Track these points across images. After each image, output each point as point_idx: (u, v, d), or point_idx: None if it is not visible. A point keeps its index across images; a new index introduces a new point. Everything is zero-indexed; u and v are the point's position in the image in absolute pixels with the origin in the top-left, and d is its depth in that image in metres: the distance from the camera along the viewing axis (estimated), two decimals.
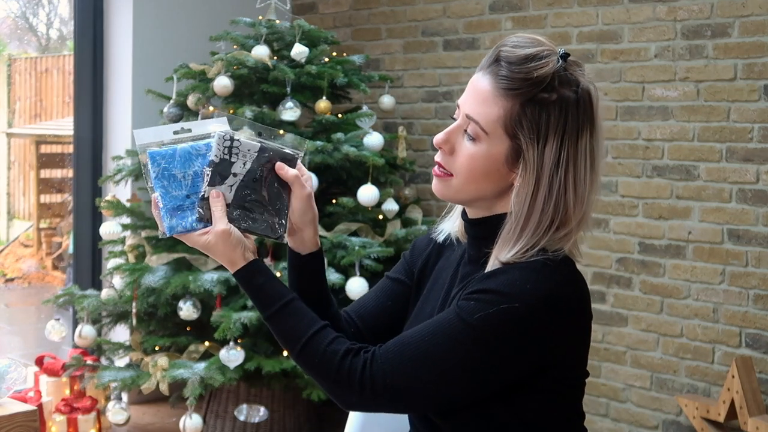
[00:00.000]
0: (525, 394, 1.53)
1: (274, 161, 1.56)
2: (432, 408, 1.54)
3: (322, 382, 1.52)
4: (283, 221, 1.58)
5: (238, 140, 1.54)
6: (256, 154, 1.55)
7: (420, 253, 1.77)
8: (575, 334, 1.55)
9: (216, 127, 1.55)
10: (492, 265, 1.53)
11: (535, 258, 1.50)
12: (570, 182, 1.52)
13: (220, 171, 1.53)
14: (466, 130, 1.54)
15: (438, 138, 1.56)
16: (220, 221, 1.53)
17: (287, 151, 1.58)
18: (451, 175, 1.56)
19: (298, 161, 1.58)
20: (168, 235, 1.54)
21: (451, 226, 1.70)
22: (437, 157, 1.58)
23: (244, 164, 1.54)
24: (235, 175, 1.54)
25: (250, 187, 1.55)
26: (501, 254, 1.52)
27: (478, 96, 1.53)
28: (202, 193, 1.53)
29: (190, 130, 1.55)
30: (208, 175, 1.52)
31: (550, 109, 1.50)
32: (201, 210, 1.53)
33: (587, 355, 1.60)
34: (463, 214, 1.65)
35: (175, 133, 1.54)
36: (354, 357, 1.50)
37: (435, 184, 1.60)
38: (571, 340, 1.55)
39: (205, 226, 1.54)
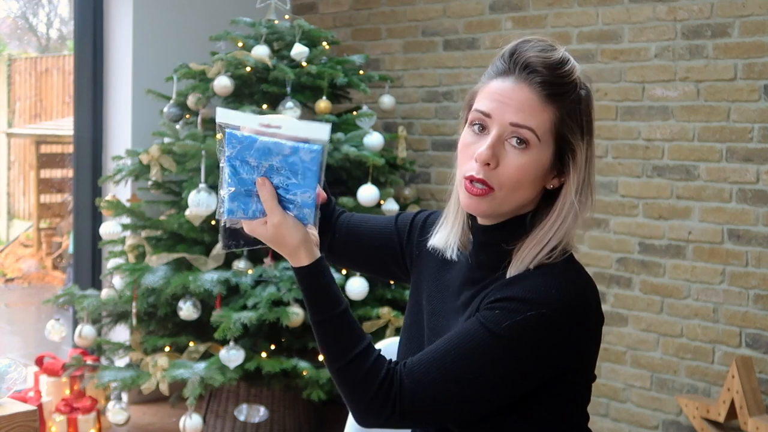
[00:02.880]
0: (539, 399, 1.52)
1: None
2: (462, 421, 1.51)
3: (358, 400, 1.49)
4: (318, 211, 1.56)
5: None
6: None
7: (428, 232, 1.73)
8: (593, 337, 1.56)
9: (315, 134, 1.47)
10: (517, 268, 1.52)
11: (554, 260, 1.52)
12: (593, 175, 1.59)
13: None
14: (507, 141, 1.51)
15: (485, 154, 1.50)
16: (274, 212, 1.47)
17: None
18: (493, 189, 1.52)
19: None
20: (225, 218, 1.48)
21: (446, 238, 1.65)
22: (476, 173, 1.51)
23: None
24: None
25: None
26: (528, 255, 1.52)
27: (521, 104, 1.50)
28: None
29: (279, 127, 1.47)
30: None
31: (582, 108, 1.56)
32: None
33: (597, 357, 1.61)
34: (472, 220, 1.62)
35: (261, 125, 1.47)
36: (390, 379, 1.48)
37: (476, 203, 1.53)
38: (589, 342, 1.56)
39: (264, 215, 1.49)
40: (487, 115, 1.52)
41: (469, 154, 1.53)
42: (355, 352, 1.49)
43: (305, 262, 1.50)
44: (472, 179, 1.52)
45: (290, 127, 1.48)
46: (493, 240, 1.59)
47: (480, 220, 1.61)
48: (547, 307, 1.46)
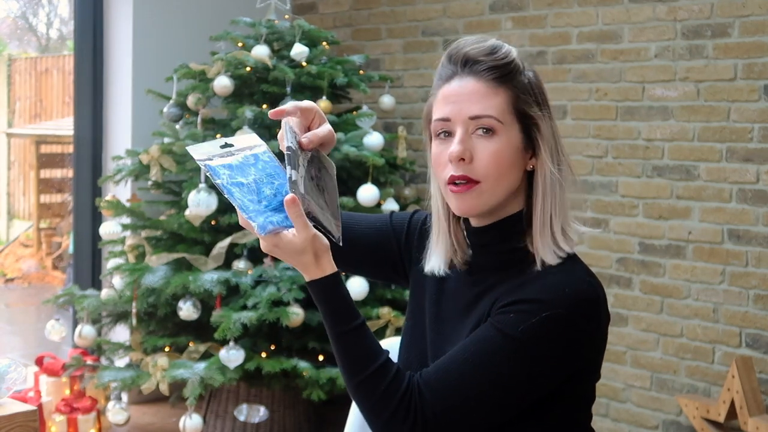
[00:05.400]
0: (550, 400, 1.53)
1: (321, 163, 1.54)
2: (485, 426, 1.50)
3: (379, 413, 1.47)
4: (339, 222, 1.53)
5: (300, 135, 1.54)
6: (310, 152, 1.53)
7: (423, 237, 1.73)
8: (604, 335, 1.57)
9: (250, 140, 1.52)
10: (547, 258, 1.52)
11: (563, 256, 1.53)
12: (564, 149, 1.60)
13: (296, 158, 1.49)
14: (475, 134, 1.53)
15: (456, 150, 1.52)
16: (306, 228, 1.44)
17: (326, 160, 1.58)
18: (478, 182, 1.53)
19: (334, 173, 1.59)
20: (262, 235, 1.45)
21: (438, 259, 1.65)
22: (455, 171, 1.53)
23: (303, 161, 1.52)
24: (303, 167, 1.51)
25: (312, 184, 1.52)
26: (546, 243, 1.53)
27: (473, 96, 1.53)
28: (288, 176, 1.46)
29: (232, 145, 1.51)
30: (288, 156, 1.47)
31: (532, 86, 1.57)
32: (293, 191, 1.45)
33: (603, 356, 1.61)
34: (467, 225, 1.63)
35: (221, 147, 1.50)
36: (410, 391, 1.47)
37: (464, 200, 1.53)
38: (600, 340, 1.56)
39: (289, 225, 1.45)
40: (447, 120, 1.55)
41: (443, 161, 1.55)
42: (376, 364, 1.47)
43: (328, 272, 1.48)
44: (453, 180, 1.53)
45: (238, 141, 1.53)
46: (489, 241, 1.59)
47: (473, 222, 1.61)
48: (562, 306, 1.46)
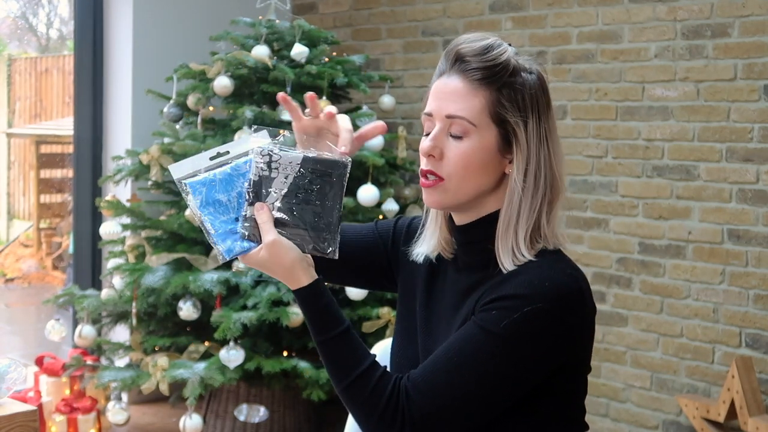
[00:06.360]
0: (539, 395, 1.53)
1: (319, 171, 1.48)
2: (474, 424, 1.51)
3: (367, 416, 1.50)
4: (334, 236, 1.50)
5: (277, 153, 1.46)
6: (299, 165, 1.46)
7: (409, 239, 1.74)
8: (589, 327, 1.58)
9: (256, 142, 1.48)
10: (503, 265, 1.52)
11: (542, 253, 1.52)
12: (552, 156, 1.57)
13: (259, 190, 1.46)
14: (450, 133, 1.55)
15: (426, 146, 1.55)
16: (269, 233, 1.47)
17: (334, 157, 1.49)
18: (443, 179, 1.54)
19: (348, 168, 1.50)
20: (227, 259, 1.48)
21: (428, 246, 1.67)
22: (424, 166, 1.56)
23: (286, 178, 1.47)
24: (276, 192, 1.47)
25: (294, 203, 1.47)
26: (505, 248, 1.52)
27: (453, 95, 1.54)
28: (243, 214, 1.46)
29: (228, 152, 1.49)
30: (248, 194, 1.46)
31: (523, 90, 1.55)
32: (245, 231, 1.46)
33: (592, 348, 1.61)
34: (450, 222, 1.64)
35: (212, 158, 1.49)
36: (397, 393, 1.49)
37: (429, 195, 1.57)
38: (585, 333, 1.57)
39: (258, 244, 1.48)
40: (430, 115, 1.57)
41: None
42: (360, 369, 1.49)
43: (304, 283, 1.50)
44: (422, 173, 1.57)
45: (235, 147, 1.50)
46: (472, 239, 1.60)
47: (456, 220, 1.62)
48: (543, 300, 1.46)
